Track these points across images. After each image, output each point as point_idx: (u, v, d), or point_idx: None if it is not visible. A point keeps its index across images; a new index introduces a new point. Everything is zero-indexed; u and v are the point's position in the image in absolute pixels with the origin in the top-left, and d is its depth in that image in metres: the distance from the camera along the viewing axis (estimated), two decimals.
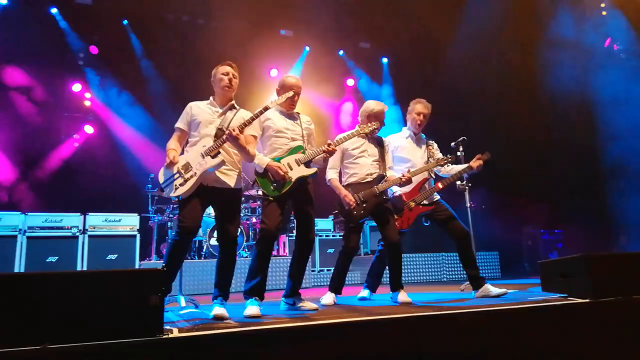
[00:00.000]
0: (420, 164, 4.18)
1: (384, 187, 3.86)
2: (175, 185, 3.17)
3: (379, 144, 4.06)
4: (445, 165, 4.33)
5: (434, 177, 4.26)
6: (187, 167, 3.18)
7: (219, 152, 3.18)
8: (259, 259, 3.36)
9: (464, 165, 4.25)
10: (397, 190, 4.08)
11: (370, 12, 8.51)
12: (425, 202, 4.08)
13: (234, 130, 3.10)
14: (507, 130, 8.25)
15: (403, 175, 3.85)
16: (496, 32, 7.91)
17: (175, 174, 3.20)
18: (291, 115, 3.68)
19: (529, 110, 8.16)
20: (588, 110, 7.63)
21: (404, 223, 4.06)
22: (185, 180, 3.15)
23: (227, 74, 3.37)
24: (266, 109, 3.27)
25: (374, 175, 3.91)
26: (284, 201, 3.43)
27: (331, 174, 3.97)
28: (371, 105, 4.02)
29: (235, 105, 3.42)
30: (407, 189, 4.07)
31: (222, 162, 3.19)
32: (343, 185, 3.95)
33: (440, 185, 4.13)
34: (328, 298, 3.87)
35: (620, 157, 7.67)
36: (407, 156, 4.21)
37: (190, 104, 3.42)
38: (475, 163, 4.14)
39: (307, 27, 8.71)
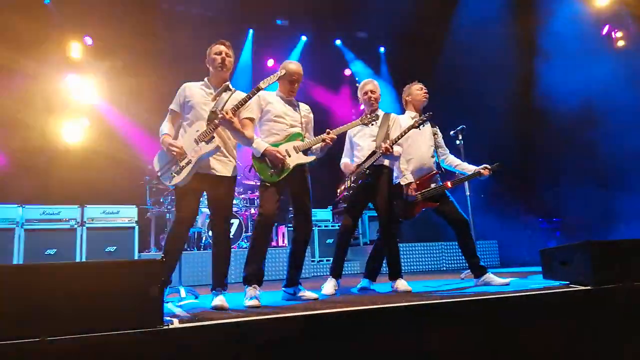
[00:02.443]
0: (427, 147, 4.18)
1: (368, 163, 3.87)
2: (172, 173, 3.11)
3: (382, 120, 4.01)
4: (450, 156, 4.33)
5: (442, 171, 4.25)
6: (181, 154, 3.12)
7: (213, 137, 3.10)
8: (256, 245, 3.35)
9: (472, 168, 4.20)
10: (406, 180, 4.02)
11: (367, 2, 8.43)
12: (432, 196, 4.06)
13: (227, 114, 3.02)
14: (506, 119, 8.21)
15: (381, 147, 3.78)
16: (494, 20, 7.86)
17: (170, 161, 3.14)
18: (290, 102, 3.64)
19: (528, 98, 8.12)
20: (588, 101, 7.57)
21: (408, 213, 4.05)
22: (181, 168, 3.09)
23: (220, 53, 3.27)
24: (258, 89, 3.17)
25: None
26: (281, 188, 3.40)
27: (343, 161, 4.14)
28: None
29: (230, 87, 3.29)
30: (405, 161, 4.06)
31: (217, 148, 3.12)
32: None
33: (449, 184, 4.11)
34: (328, 287, 3.86)
35: (620, 146, 7.64)
36: (416, 139, 4.15)
37: (184, 84, 3.35)
38: (485, 171, 4.12)
39: (304, 16, 8.64)
